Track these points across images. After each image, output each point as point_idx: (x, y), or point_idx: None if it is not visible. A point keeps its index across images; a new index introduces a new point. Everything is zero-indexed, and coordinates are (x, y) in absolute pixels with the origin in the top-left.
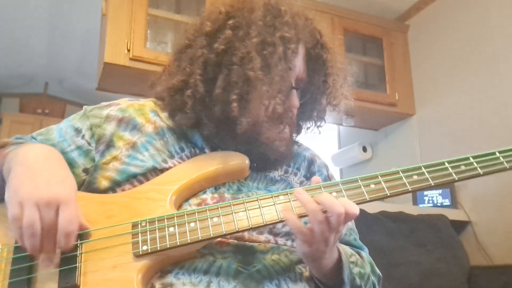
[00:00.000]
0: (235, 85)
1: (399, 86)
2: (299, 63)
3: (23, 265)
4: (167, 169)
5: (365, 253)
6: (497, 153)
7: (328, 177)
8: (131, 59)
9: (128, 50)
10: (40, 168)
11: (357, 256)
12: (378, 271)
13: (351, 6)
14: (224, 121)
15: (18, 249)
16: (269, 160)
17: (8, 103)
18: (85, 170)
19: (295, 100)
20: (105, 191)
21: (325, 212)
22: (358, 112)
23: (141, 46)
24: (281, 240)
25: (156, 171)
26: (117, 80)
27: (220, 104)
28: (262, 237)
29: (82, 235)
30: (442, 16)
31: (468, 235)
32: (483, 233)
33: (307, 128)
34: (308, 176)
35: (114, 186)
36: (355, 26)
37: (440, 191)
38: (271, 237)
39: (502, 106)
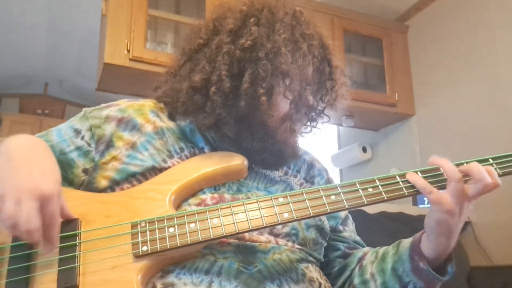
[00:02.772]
0: (263, 79)
1: (399, 87)
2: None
3: (21, 265)
4: (166, 168)
5: None
6: (490, 160)
7: (328, 181)
8: (131, 59)
9: (128, 51)
10: (22, 159)
11: None
12: None
13: (350, 6)
14: (246, 117)
15: (15, 248)
16: (283, 156)
17: (8, 104)
18: (85, 171)
19: (310, 98)
20: (104, 190)
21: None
22: (358, 112)
23: (141, 46)
24: (282, 241)
25: (156, 170)
26: (117, 80)
27: (246, 99)
28: (262, 238)
29: (81, 235)
30: (442, 16)
31: (467, 235)
32: (483, 233)
33: (305, 127)
34: (308, 179)
35: (113, 185)
36: (355, 26)
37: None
38: (271, 238)
39: (502, 106)
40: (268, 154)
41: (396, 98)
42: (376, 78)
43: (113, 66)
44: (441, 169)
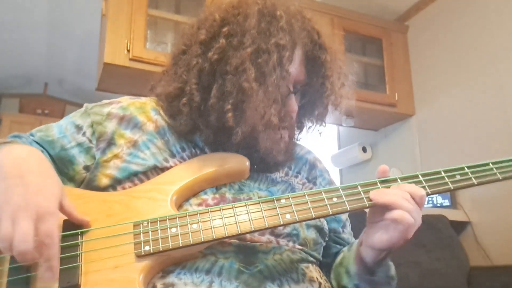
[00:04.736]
0: (230, 94)
1: (399, 87)
2: (296, 67)
3: (22, 264)
4: (168, 168)
5: None
6: (490, 164)
7: (330, 182)
8: (131, 59)
9: (128, 51)
10: (16, 176)
11: None
12: None
13: (351, 6)
14: (220, 129)
15: None
16: (268, 164)
17: (8, 104)
18: (86, 168)
19: (294, 105)
20: (105, 188)
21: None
22: (357, 112)
23: (141, 46)
24: (282, 241)
25: (157, 169)
26: (117, 80)
27: (215, 113)
28: (263, 238)
29: (83, 234)
30: (442, 16)
31: (467, 235)
32: (483, 233)
33: (309, 128)
34: (310, 179)
35: (115, 184)
36: (355, 26)
37: None
38: (272, 238)
39: (502, 106)
40: (255, 161)
41: (396, 98)
42: (376, 78)
43: (113, 66)
44: (442, 172)
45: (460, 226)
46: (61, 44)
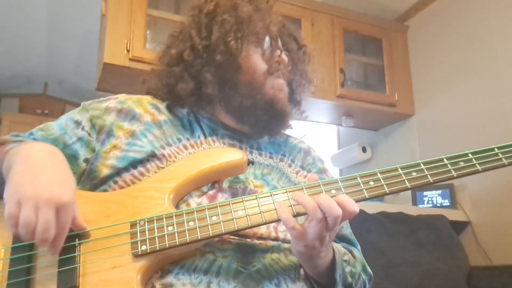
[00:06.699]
0: (230, 31)
1: (399, 87)
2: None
3: (21, 267)
4: (164, 156)
5: (358, 251)
6: (495, 149)
7: (323, 170)
8: (130, 59)
9: (128, 51)
10: (41, 167)
11: (350, 255)
12: (369, 270)
13: (350, 6)
14: (227, 76)
15: (15, 249)
16: (275, 111)
17: (7, 104)
18: (86, 160)
19: (284, 56)
20: (105, 178)
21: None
22: (357, 112)
23: (141, 46)
24: (281, 228)
25: (154, 158)
26: (117, 80)
27: (219, 51)
28: (263, 227)
29: (81, 235)
30: (442, 16)
31: (467, 235)
32: (483, 233)
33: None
34: (305, 166)
35: (114, 174)
36: (355, 26)
37: (439, 191)
38: (271, 227)
39: (502, 106)
40: (260, 112)
41: (396, 98)
42: (376, 78)
43: (113, 66)
44: (445, 159)
45: (460, 226)
46: (61, 44)
